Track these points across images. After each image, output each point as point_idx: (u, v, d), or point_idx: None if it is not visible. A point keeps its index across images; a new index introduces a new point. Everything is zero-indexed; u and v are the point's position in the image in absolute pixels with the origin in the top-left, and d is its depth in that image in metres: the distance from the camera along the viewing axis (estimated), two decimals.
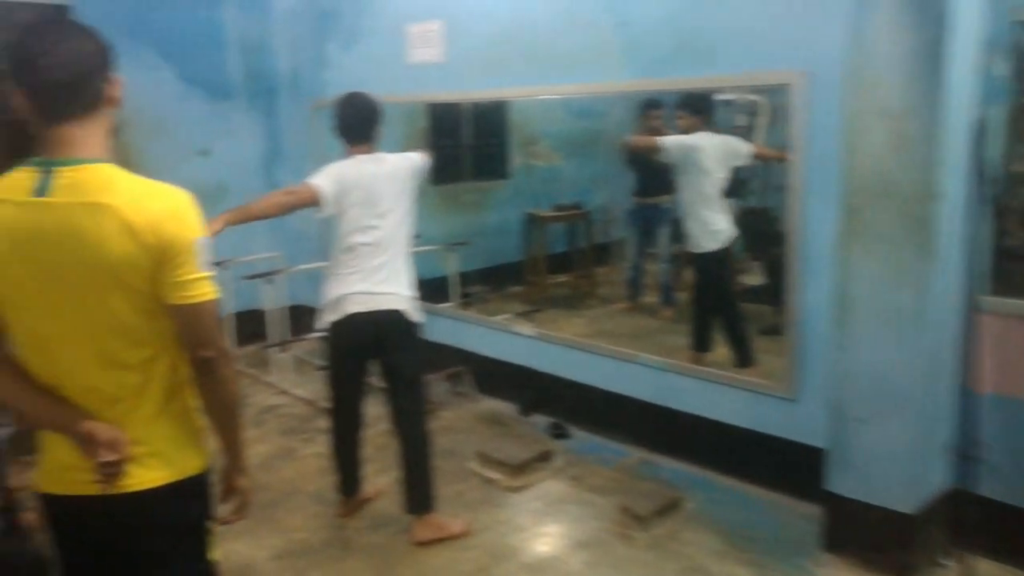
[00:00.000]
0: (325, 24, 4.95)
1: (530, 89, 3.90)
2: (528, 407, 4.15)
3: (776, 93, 3.37)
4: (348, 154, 2.92)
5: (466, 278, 5.00)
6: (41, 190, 1.36)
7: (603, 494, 3.28)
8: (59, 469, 1.51)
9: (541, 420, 4.06)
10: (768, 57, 2.94)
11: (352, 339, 2.97)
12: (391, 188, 2.91)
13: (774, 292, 3.77)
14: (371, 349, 2.97)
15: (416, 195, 3.01)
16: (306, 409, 4.33)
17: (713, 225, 3.81)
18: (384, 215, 2.89)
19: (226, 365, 1.53)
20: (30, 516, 2.68)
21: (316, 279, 5.11)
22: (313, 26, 5.05)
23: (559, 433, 3.88)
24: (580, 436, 3.88)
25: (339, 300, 2.90)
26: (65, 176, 1.37)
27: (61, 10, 4.47)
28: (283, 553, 2.91)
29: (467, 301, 4.99)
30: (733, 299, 4.02)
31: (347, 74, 4.85)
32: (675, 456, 3.56)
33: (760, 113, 3.98)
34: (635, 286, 5.21)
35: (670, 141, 3.85)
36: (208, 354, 1.48)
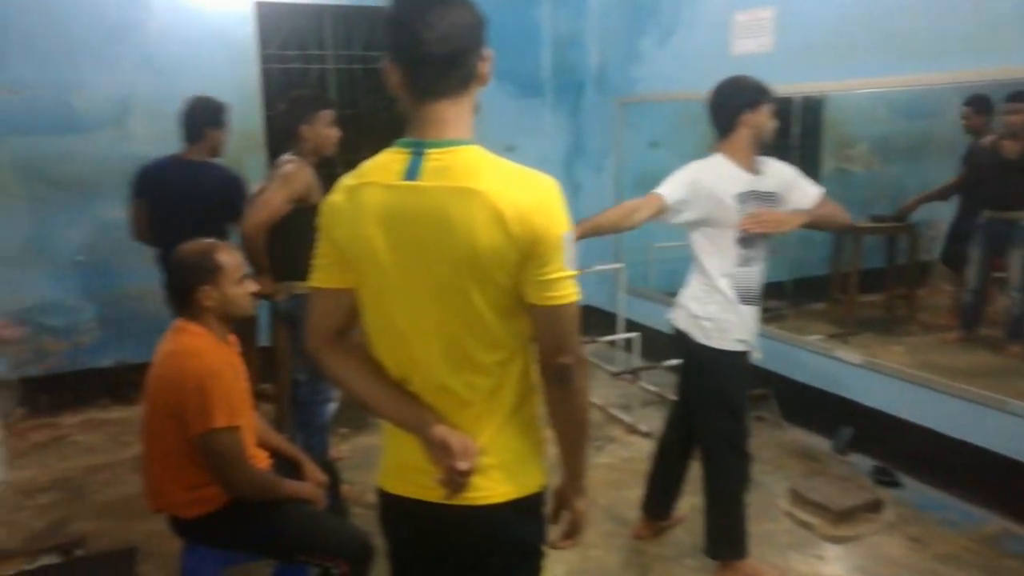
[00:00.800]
0: (640, 17, 4.77)
1: (877, 81, 3.38)
2: (845, 444, 3.62)
3: None
4: None
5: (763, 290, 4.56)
6: (411, 173, 1.27)
7: (955, 566, 2.72)
8: (400, 468, 1.43)
9: (862, 461, 3.52)
10: None
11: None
12: None
13: None
14: None
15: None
16: (597, 415, 4.19)
17: None
18: None
19: (582, 374, 1.35)
20: (345, 489, 2.81)
21: (607, 280, 5.02)
22: (627, 20, 4.89)
23: (887, 480, 3.32)
24: (913, 487, 3.29)
25: None
26: (435, 158, 1.27)
27: None
28: (580, 571, 2.76)
29: (766, 316, 4.54)
30: None
31: (659, 69, 4.65)
32: None
33: None
34: (972, 314, 4.39)
35: None
36: (566, 361, 1.32)
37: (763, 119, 2.50)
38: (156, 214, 3.49)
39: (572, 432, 1.42)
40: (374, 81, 4.93)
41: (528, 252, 1.24)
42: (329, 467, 2.52)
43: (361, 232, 1.30)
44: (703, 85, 2.63)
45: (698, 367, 2.59)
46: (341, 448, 3.73)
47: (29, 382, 4.16)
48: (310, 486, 2.14)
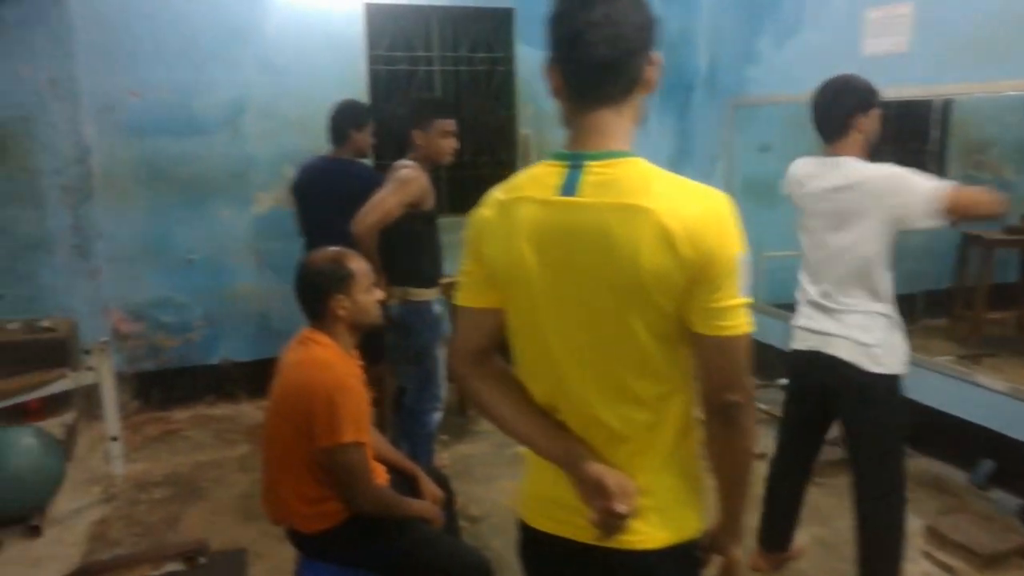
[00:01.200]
0: (758, 15, 4.54)
1: None
2: (986, 478, 3.33)
3: None
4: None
5: None
6: (569, 187, 1.17)
7: None
8: (545, 502, 1.33)
9: (1005, 498, 3.22)
10: None
11: (796, 379, 2.56)
12: (844, 201, 2.27)
13: None
14: (821, 397, 2.46)
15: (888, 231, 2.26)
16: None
17: None
18: (828, 232, 2.32)
19: (750, 413, 1.22)
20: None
21: None
22: (742, 19, 4.67)
23: None
24: None
25: (791, 330, 2.50)
26: (596, 172, 1.17)
27: (506, 13, 4.71)
28: None
29: None
30: None
31: (777, 70, 4.41)
32: None
33: None
34: None
35: None
36: (734, 398, 1.20)
37: (875, 123, 2.34)
38: (303, 212, 3.63)
39: (734, 474, 1.30)
40: (479, 83, 4.88)
41: (697, 276, 1.12)
42: (443, 481, 2.45)
43: (512, 250, 1.21)
44: None
45: (867, 399, 2.33)
46: (442, 456, 3.68)
47: (143, 376, 4.29)
48: (429, 504, 2.08)
